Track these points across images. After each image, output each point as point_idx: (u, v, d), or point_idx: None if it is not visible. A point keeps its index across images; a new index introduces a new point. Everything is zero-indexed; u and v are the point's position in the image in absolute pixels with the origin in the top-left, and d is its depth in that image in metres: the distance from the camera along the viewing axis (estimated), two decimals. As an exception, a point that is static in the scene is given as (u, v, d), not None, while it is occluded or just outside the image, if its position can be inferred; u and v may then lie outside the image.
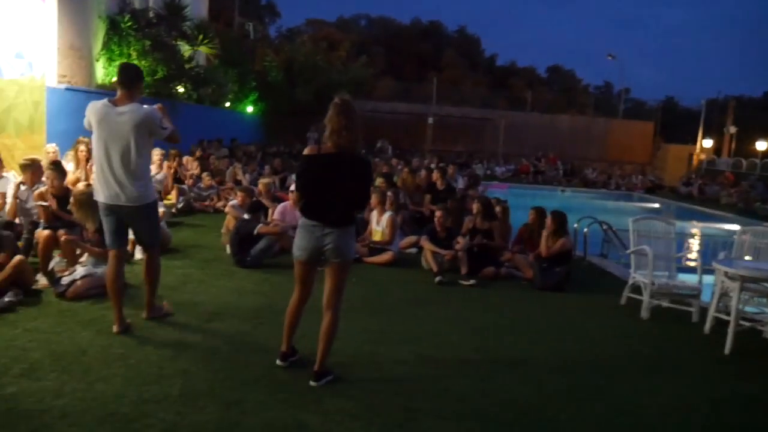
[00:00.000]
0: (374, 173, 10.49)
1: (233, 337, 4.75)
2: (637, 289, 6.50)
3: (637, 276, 6.45)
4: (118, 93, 4.59)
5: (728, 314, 5.49)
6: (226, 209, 8.11)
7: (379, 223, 8.03)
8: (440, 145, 29.46)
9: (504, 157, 29.60)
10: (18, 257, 5.40)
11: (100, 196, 4.64)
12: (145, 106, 4.61)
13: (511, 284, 7.26)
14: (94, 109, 4.54)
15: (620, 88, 45.20)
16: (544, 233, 7.28)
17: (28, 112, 9.43)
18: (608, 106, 48.63)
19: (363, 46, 41.31)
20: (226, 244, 7.80)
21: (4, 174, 6.94)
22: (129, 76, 4.65)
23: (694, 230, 15.15)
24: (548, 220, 7.40)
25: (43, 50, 9.90)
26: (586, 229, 9.31)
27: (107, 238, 4.81)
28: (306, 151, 4.10)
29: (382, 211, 8.06)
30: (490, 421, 3.67)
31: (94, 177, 4.83)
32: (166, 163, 10.58)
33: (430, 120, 29.77)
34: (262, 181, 9.59)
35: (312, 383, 3.95)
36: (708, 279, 6.31)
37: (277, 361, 4.23)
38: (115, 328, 4.68)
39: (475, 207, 7.92)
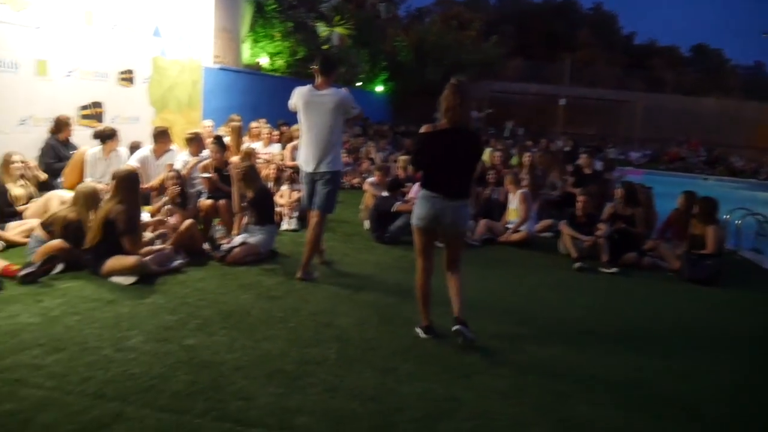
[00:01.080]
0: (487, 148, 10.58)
1: (381, 309, 4.94)
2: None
3: (801, 273, 5.96)
4: (318, 79, 5.42)
5: None
6: (365, 187, 8.37)
7: (513, 203, 8.00)
8: (571, 128, 28.41)
9: (640, 141, 28.07)
10: (190, 221, 5.93)
11: (303, 166, 5.57)
12: (341, 89, 5.50)
13: (655, 275, 6.94)
14: (300, 93, 5.46)
15: (775, 68, 41.19)
16: (692, 219, 6.95)
17: (187, 90, 10.22)
18: (759, 88, 44.54)
19: (493, 25, 40.52)
20: (364, 219, 8.07)
21: (172, 147, 7.58)
22: (327, 66, 5.47)
23: None
24: (696, 207, 7.03)
25: (200, 32, 10.66)
26: (738, 222, 8.70)
27: (305, 201, 5.73)
28: (422, 130, 4.39)
29: (515, 191, 8.01)
30: (644, 412, 3.59)
31: (300, 149, 5.67)
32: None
33: (562, 101, 28.76)
34: (402, 158, 9.78)
35: (456, 327, 4.22)
36: None
37: (421, 334, 4.40)
38: (298, 274, 5.51)
39: (618, 192, 7.65)
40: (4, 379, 3.31)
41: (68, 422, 2.94)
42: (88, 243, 5.24)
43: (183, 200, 6.57)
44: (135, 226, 5.34)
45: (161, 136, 7.39)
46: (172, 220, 6.23)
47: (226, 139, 9.20)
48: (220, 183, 6.78)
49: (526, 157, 9.94)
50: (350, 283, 5.60)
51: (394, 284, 5.65)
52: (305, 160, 5.56)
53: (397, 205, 7.48)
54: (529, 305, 5.46)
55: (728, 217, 8.75)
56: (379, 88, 26.52)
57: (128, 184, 5.38)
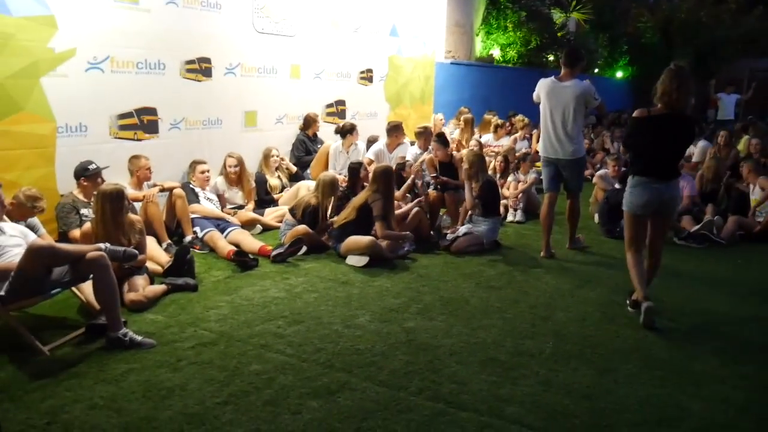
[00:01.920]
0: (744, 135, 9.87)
1: (604, 307, 4.72)
2: None
3: None
4: (562, 71, 5.80)
5: None
6: (594, 180, 8.00)
7: (754, 193, 7.11)
8: None
9: None
10: (417, 209, 6.25)
11: (543, 151, 5.97)
12: (584, 81, 5.80)
13: None
14: (543, 85, 5.86)
15: None
16: None
17: (420, 85, 10.68)
18: None
19: (760, -4, 35.59)
20: (594, 213, 7.74)
21: (404, 141, 8.05)
22: (571, 59, 5.79)
23: None
24: None
25: (433, 29, 11.05)
26: None
27: (545, 183, 6.10)
28: (635, 114, 4.42)
29: (756, 180, 7.15)
30: None
31: (541, 136, 6.06)
32: (534, 132, 10.87)
33: None
34: None
35: (646, 304, 4.28)
36: None
37: (630, 308, 4.58)
38: (542, 254, 6.04)
39: None
40: (254, 344, 3.85)
41: (303, 386, 3.33)
42: (338, 221, 5.94)
43: (414, 191, 6.96)
44: (387, 214, 5.91)
45: (394, 131, 7.88)
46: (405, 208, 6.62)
47: (455, 133, 9.50)
48: (445, 178, 7.00)
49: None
50: (573, 278, 5.44)
51: (621, 281, 5.31)
52: (547, 147, 5.91)
53: None
54: (784, 314, 4.79)
55: None
56: (619, 74, 24.94)
57: (385, 178, 5.97)
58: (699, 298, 5.03)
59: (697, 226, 6.87)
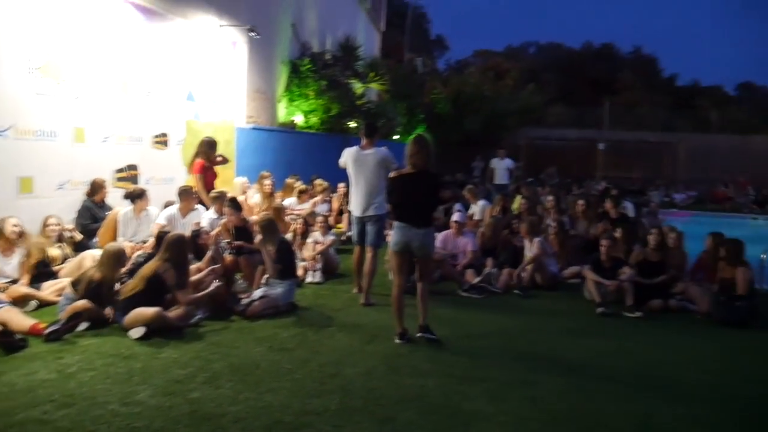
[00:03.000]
0: (518, 195, 10.98)
1: (391, 359, 4.95)
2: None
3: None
4: (364, 141, 6.74)
5: None
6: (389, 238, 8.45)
7: (530, 250, 7.95)
8: (613, 172, 27.98)
9: (686, 183, 27.40)
10: (218, 284, 6.13)
11: (353, 210, 6.86)
12: (382, 148, 6.77)
13: (682, 318, 6.74)
14: (349, 153, 6.75)
15: (829, 102, 39.97)
16: (719, 261, 6.82)
17: (220, 150, 10.62)
18: (814, 123, 43.10)
19: (533, 74, 40.81)
20: (389, 270, 8.12)
21: (197, 206, 7.89)
22: (370, 130, 6.84)
23: None
24: (723, 249, 6.88)
25: (233, 95, 11.15)
26: (776, 261, 8.36)
27: (355, 238, 6.97)
28: (391, 174, 5.78)
29: (531, 240, 7.97)
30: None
31: (351, 198, 6.96)
32: (333, 196, 11.29)
33: (601, 146, 28.47)
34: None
35: (419, 334, 5.37)
36: None
37: (397, 340, 5.35)
38: (362, 300, 6.66)
39: (652, 239, 7.50)
40: (11, 434, 3.46)
41: (64, 474, 3.05)
42: (125, 292, 5.59)
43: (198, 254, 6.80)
44: (183, 283, 5.77)
45: (185, 195, 7.71)
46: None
47: (257, 197, 9.54)
48: (239, 241, 6.99)
49: (550, 203, 9.90)
50: (364, 333, 5.64)
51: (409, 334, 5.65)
52: (356, 206, 6.80)
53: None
54: (546, 351, 5.37)
55: (764, 257, 8.44)
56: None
57: (177, 246, 5.83)
58: (474, 343, 5.48)
59: (477, 278, 7.53)
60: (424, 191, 5.44)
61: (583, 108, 35.89)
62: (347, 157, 6.80)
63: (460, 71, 42.08)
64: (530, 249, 7.92)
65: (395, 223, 5.48)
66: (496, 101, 27.68)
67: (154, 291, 5.59)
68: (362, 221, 6.84)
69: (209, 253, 6.71)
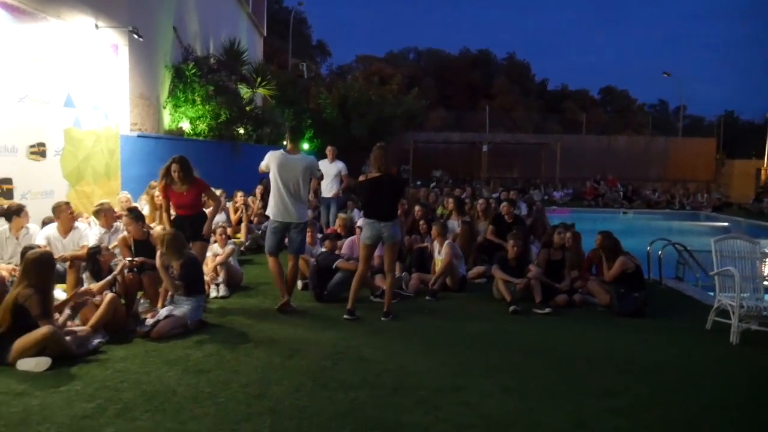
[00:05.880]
0: (412, 200, 10.91)
1: (316, 373, 4.76)
2: (722, 312, 6.23)
3: (723, 299, 6.19)
4: (289, 145, 6.65)
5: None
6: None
7: (440, 253, 8.02)
8: (496, 172, 29.24)
9: (562, 181, 29.12)
10: (110, 295, 5.60)
11: (276, 216, 6.58)
12: (310, 156, 6.82)
13: (587, 311, 7.08)
14: (274, 157, 6.52)
15: (677, 105, 44.13)
16: (602, 258, 7.30)
17: (105, 159, 9.89)
18: (665, 124, 47.44)
19: (414, 79, 41.71)
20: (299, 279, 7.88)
21: (77, 224, 7.21)
22: (296, 134, 6.89)
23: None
24: (597, 244, 7.41)
25: (116, 100, 10.40)
26: (660, 252, 9.01)
27: (271, 247, 6.67)
28: (360, 179, 6.60)
29: (442, 242, 8.04)
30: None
31: (271, 202, 6.62)
32: (230, 205, 10.85)
33: (485, 148, 29.60)
34: (342, 216, 9.77)
35: (383, 318, 6.33)
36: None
37: (347, 316, 6.30)
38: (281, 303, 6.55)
39: (556, 238, 7.78)
40: None
41: None
42: None
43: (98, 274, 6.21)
44: (49, 309, 5.02)
45: (57, 212, 7.02)
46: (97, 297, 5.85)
47: (145, 209, 8.95)
48: (141, 257, 6.47)
49: (451, 204, 10.06)
50: (283, 348, 5.38)
51: (329, 345, 5.48)
52: (279, 212, 6.56)
53: (339, 263, 7.36)
54: (467, 354, 5.38)
55: (649, 248, 9.06)
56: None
57: (38, 267, 5.03)
58: (397, 350, 5.40)
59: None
60: (390, 191, 6.35)
61: (463, 112, 37.26)
62: (271, 160, 6.54)
63: (343, 77, 42.24)
64: (440, 252, 7.97)
65: (365, 220, 6.37)
66: (382, 106, 27.96)
67: (24, 322, 4.84)
68: (284, 228, 6.63)
69: (108, 278, 6.05)
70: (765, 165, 32.62)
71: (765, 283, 6.69)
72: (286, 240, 6.84)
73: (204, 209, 6.92)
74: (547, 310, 6.83)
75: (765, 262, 7.57)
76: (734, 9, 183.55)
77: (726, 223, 20.95)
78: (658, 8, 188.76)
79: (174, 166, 6.65)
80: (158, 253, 6.07)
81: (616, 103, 53.95)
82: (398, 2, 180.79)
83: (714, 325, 6.30)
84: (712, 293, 7.50)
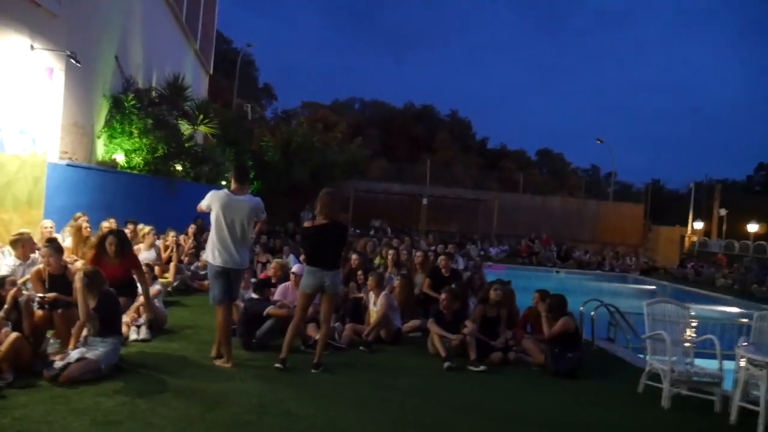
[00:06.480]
0: (351, 250, 10.42)
1: (237, 427, 4.44)
2: (654, 375, 6.26)
3: (654, 362, 6.22)
4: (234, 186, 6.18)
5: (755, 404, 5.26)
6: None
7: (375, 304, 7.84)
8: (434, 225, 29.47)
9: (498, 237, 29.62)
10: (15, 334, 5.13)
11: (218, 261, 6.00)
12: (255, 197, 6.27)
13: (522, 370, 6.99)
14: (217, 197, 6.03)
15: (608, 170, 46.07)
16: (543, 316, 7.30)
17: (28, 187, 9.34)
18: (597, 188, 49.44)
19: (358, 128, 42.14)
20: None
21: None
22: (242, 175, 6.29)
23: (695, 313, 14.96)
24: (545, 304, 7.37)
25: (46, 126, 9.92)
26: (593, 313, 9.10)
27: (219, 295, 6.08)
28: (306, 224, 6.39)
29: (378, 293, 7.88)
30: None
31: (211, 245, 6.07)
32: (160, 242, 10.41)
33: (425, 201, 29.92)
34: (278, 261, 9.47)
35: (313, 371, 6.04)
36: (727, 365, 6.09)
37: (278, 365, 6.01)
38: (223, 361, 6.08)
39: (492, 295, 7.70)
40: None
41: None
42: None
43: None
44: None
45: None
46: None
47: (68, 241, 8.46)
48: (56, 293, 6.01)
49: (389, 255, 9.93)
50: (204, 399, 5.02)
51: (255, 397, 5.15)
52: (223, 257, 6.00)
53: (270, 309, 7.06)
54: (399, 411, 5.17)
55: (582, 309, 9.14)
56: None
57: None
58: (326, 405, 5.13)
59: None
60: (334, 239, 6.13)
61: (404, 163, 37.75)
62: (214, 200, 6.02)
63: (287, 120, 42.24)
64: (375, 303, 7.79)
65: (307, 268, 6.13)
66: (324, 152, 27.96)
67: None
68: (227, 273, 6.05)
69: (6, 307, 5.59)
70: (688, 232, 34.25)
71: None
72: None
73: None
74: (482, 367, 6.70)
75: (692, 326, 7.73)
76: (666, 84, 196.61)
77: (653, 287, 21.68)
78: (597, 79, 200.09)
79: (111, 239, 6.39)
80: (76, 285, 5.65)
81: (552, 164, 56.01)
82: (346, 52, 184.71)
83: (646, 389, 6.31)
84: (642, 355, 7.60)
